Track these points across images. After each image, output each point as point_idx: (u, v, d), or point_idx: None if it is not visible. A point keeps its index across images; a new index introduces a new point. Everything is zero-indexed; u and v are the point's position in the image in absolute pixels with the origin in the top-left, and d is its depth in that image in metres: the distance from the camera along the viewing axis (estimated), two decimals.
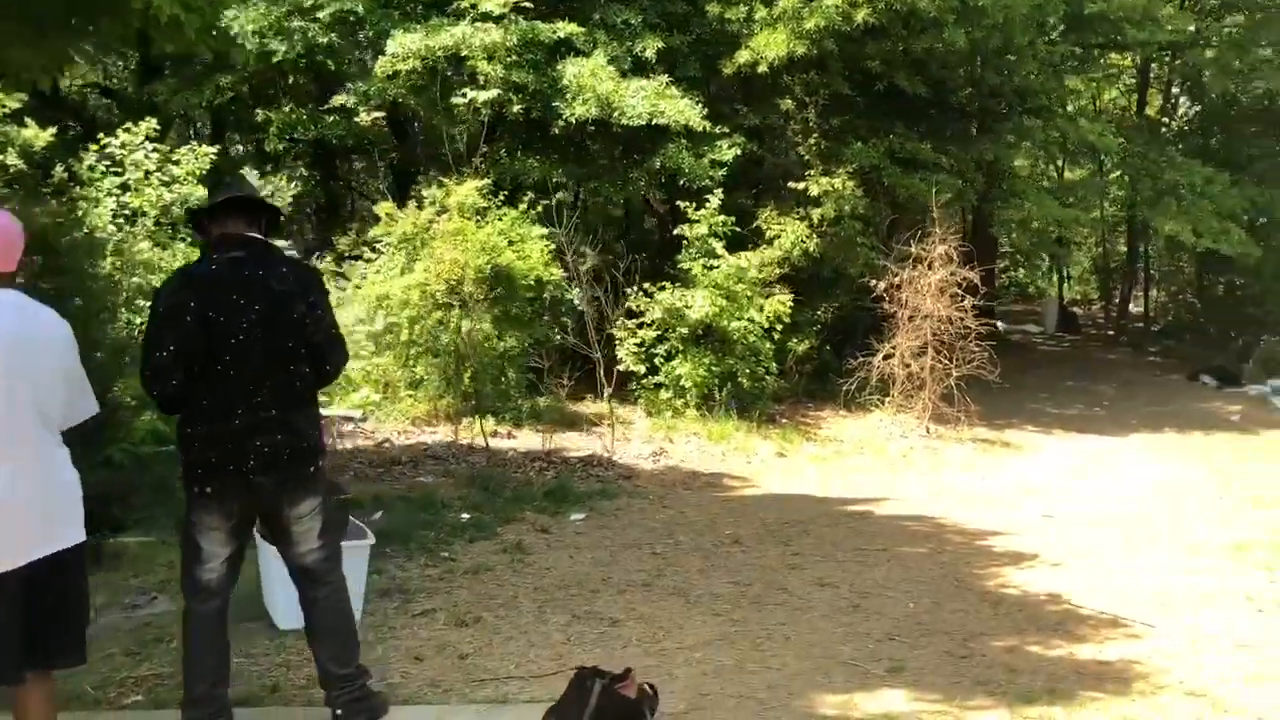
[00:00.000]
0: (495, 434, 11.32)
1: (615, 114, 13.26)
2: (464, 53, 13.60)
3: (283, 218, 16.89)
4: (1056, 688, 4.82)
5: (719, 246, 13.08)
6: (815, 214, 14.45)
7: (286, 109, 16.81)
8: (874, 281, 13.67)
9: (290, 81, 17.24)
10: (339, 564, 4.31)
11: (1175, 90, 20.43)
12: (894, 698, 4.69)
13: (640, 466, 10.00)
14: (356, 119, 14.57)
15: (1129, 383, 18.16)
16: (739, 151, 14.25)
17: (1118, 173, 19.06)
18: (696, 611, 5.81)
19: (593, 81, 13.20)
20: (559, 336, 12.82)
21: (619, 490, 8.83)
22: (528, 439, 11.14)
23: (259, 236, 4.19)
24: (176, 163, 13.79)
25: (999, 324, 22.87)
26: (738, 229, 13.53)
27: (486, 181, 13.02)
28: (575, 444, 10.97)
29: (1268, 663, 5.21)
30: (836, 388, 14.28)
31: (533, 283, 12.42)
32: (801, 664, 5.07)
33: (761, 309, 13.03)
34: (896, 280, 13.47)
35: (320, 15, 14.34)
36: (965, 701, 4.64)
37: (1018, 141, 15.46)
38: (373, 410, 11.64)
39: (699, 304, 12.85)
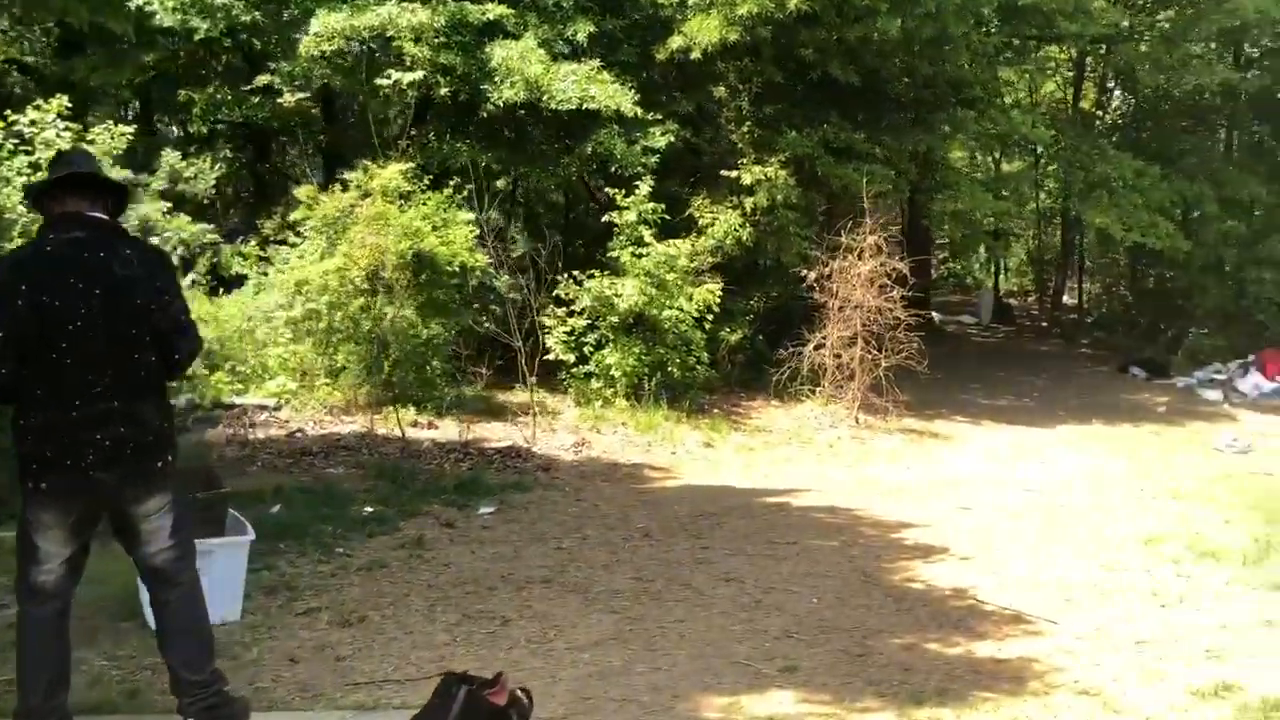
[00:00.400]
0: (415, 424, 11.08)
1: (544, 98, 13.03)
2: (390, 33, 13.29)
3: (205, 200, 16.16)
4: (949, 688, 4.72)
5: (648, 234, 12.91)
6: (748, 203, 14.31)
7: (211, 89, 16.41)
8: (805, 271, 13.55)
9: (222, 61, 16.82)
10: (192, 564, 4.07)
11: (1111, 84, 20.58)
12: (782, 699, 4.56)
13: (560, 458, 9.82)
14: (279, 100, 14.16)
15: (1059, 374, 18.27)
16: (672, 139, 14.06)
17: (1053, 165, 19.14)
18: (594, 609, 5.65)
19: (521, 65, 12.95)
20: (485, 324, 12.56)
21: (534, 483, 8.64)
22: (449, 429, 10.91)
23: (103, 217, 3.92)
24: (91, 142, 13.35)
25: (934, 315, 22.96)
26: (667, 217, 13.34)
27: (411, 165, 12.71)
28: (497, 434, 10.77)
29: (1165, 660, 5.15)
30: (770, 378, 14.19)
31: (457, 269, 12.14)
32: (693, 664, 4.93)
33: (691, 298, 12.87)
34: (827, 270, 13.40)
35: None
36: (854, 703, 4.53)
37: (952, 133, 15.44)
38: (289, 399, 11.34)
39: (628, 292, 12.68)
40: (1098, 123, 19.99)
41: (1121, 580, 6.42)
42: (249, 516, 5.60)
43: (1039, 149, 19.45)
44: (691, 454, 10.77)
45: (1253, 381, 16.34)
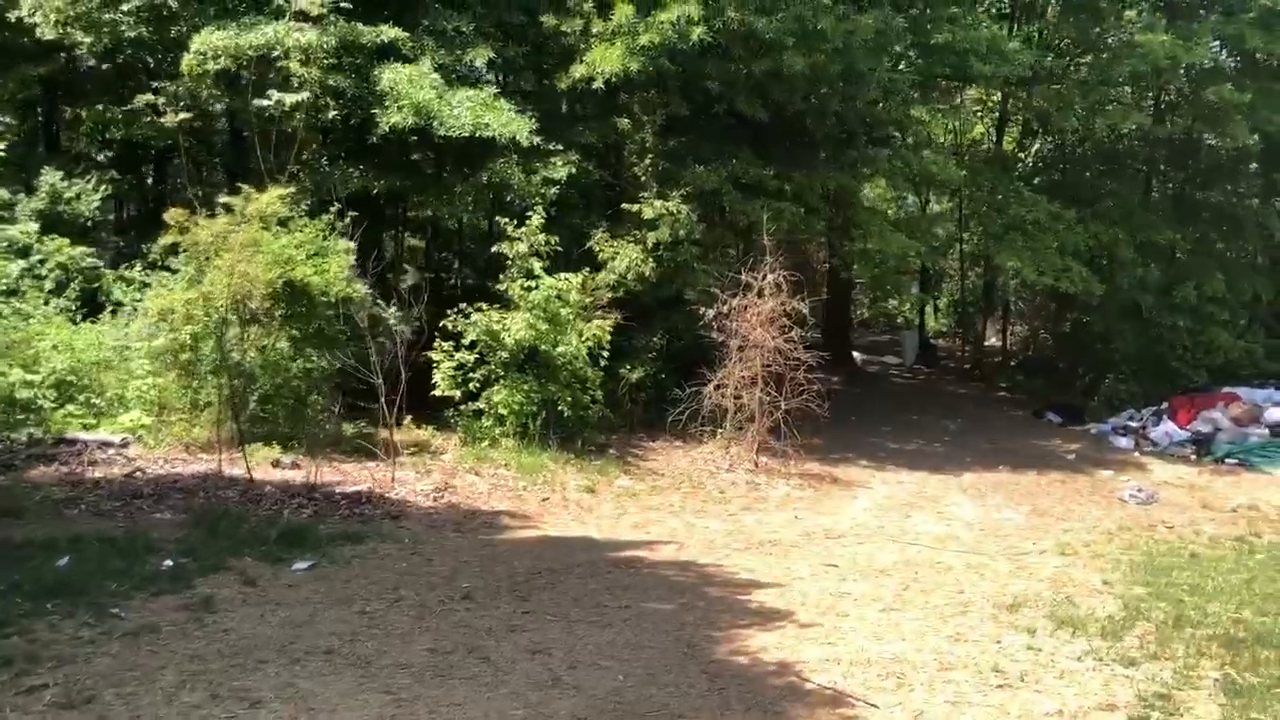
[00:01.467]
0: (277, 464, 10.48)
1: (435, 124, 12.55)
2: (276, 53, 12.77)
3: (89, 222, 15.51)
4: None
5: (538, 266, 12.41)
6: (650, 237, 13.90)
7: (99, 107, 15.77)
8: (703, 309, 13.13)
9: (111, 77, 16.19)
10: None
11: (1035, 128, 20.49)
12: None
13: (416, 504, 9.26)
14: (161, 119, 13.55)
15: (974, 418, 18.01)
16: (573, 170, 13.66)
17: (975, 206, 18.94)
18: (367, 688, 5.10)
19: (410, 89, 12.47)
20: (342, 361, 11.93)
21: (372, 533, 8.07)
22: (318, 470, 10.25)
23: None
24: None
25: (856, 355, 22.71)
26: (560, 249, 12.88)
27: (291, 190, 12.13)
28: (362, 476, 10.17)
29: None
30: (675, 419, 13.72)
31: (333, 299, 11.55)
32: None
33: (580, 333, 12.38)
34: (725, 308, 12.99)
35: (124, 7, 13.36)
36: None
37: (863, 170, 15.16)
38: (141, 435, 10.68)
39: (516, 327, 12.19)
40: (1019, 165, 19.86)
41: (965, 654, 5.97)
42: (30, 569, 5.01)
43: (964, 190, 19.25)
44: (566, 500, 10.25)
45: (1164, 429, 16.14)
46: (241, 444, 10.38)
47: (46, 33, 13.82)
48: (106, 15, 13.72)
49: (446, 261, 15.18)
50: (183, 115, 13.85)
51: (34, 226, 13.99)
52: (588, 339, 12.37)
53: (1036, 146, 20.64)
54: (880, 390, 20.45)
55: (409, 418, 13.12)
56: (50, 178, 14.79)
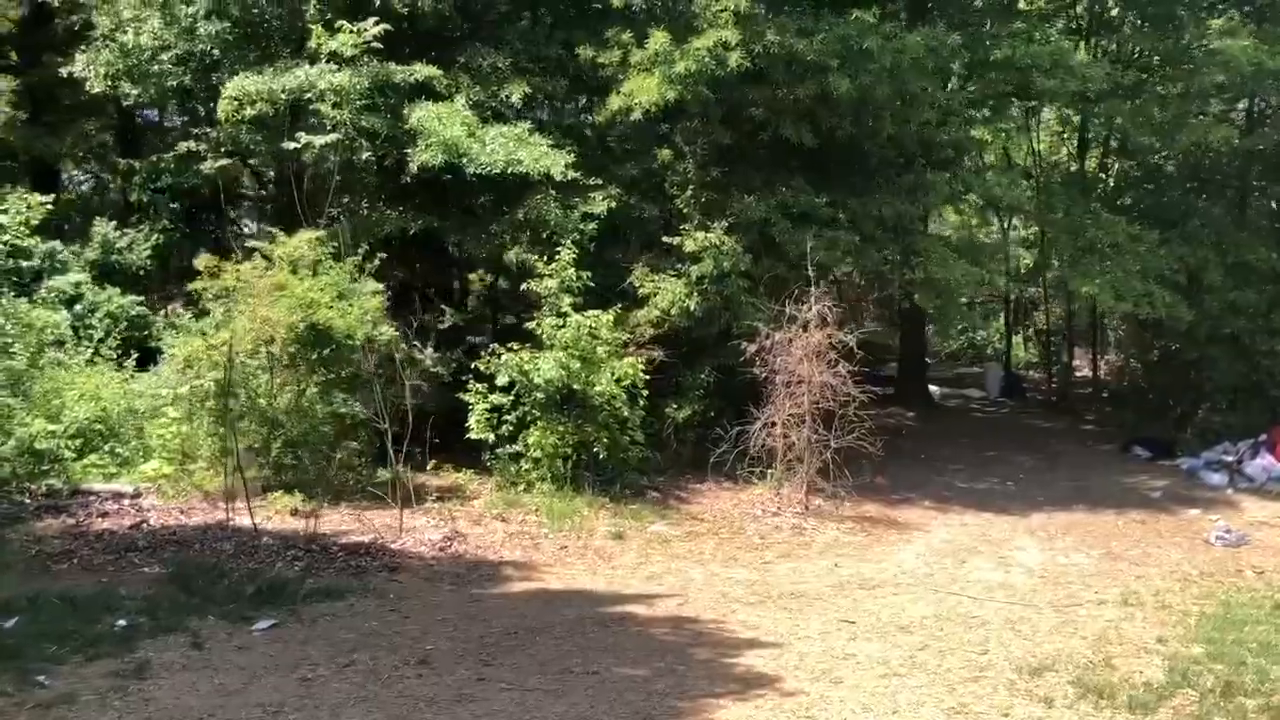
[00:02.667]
0: (296, 512, 10.21)
1: (465, 161, 12.29)
2: (309, 96, 12.70)
3: (141, 271, 15.59)
4: None
5: (567, 303, 11.99)
6: (694, 271, 13.38)
7: (155, 157, 15.95)
8: (745, 345, 12.52)
9: (162, 129, 16.46)
10: None
11: (1115, 146, 19.43)
12: None
13: (420, 555, 8.85)
14: (201, 166, 13.60)
15: (1055, 454, 16.94)
16: (613, 204, 13.27)
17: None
18: None
19: (438, 127, 12.23)
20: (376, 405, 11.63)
21: (358, 588, 7.66)
22: (337, 519, 9.93)
23: None
24: (4, 211, 12.90)
25: (933, 389, 21.71)
26: (593, 285, 12.45)
27: (319, 233, 11.98)
28: (378, 524, 9.78)
29: None
30: (723, 459, 13.10)
31: (357, 343, 11.29)
32: None
33: (613, 372, 11.89)
34: (769, 343, 12.37)
35: (164, 56, 13.47)
36: None
37: (921, 196, 14.40)
38: (161, 484, 10.51)
39: (546, 367, 11.76)
40: (1101, 187, 18.76)
41: None
42: None
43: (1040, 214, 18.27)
44: (587, 548, 9.71)
45: (1262, 464, 14.89)
46: (247, 493, 10.05)
47: (96, 86, 14.04)
48: (154, 67, 13.91)
49: (488, 300, 14.86)
50: (222, 161, 13.96)
51: (83, 276, 14.15)
52: (620, 377, 11.84)
53: (1118, 166, 19.50)
54: (957, 426, 19.46)
55: (443, 463, 12.86)
56: (102, 228, 15.00)
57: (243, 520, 9.31)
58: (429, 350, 12.95)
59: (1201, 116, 16.54)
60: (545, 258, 12.29)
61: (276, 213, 15.16)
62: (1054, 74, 14.45)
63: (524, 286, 12.45)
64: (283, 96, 12.73)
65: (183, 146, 13.98)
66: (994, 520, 12.69)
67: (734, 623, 7.13)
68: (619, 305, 12.96)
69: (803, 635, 6.86)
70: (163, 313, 14.31)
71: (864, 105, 13.60)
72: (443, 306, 13.64)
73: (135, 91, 14.32)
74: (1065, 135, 21.74)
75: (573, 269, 12.12)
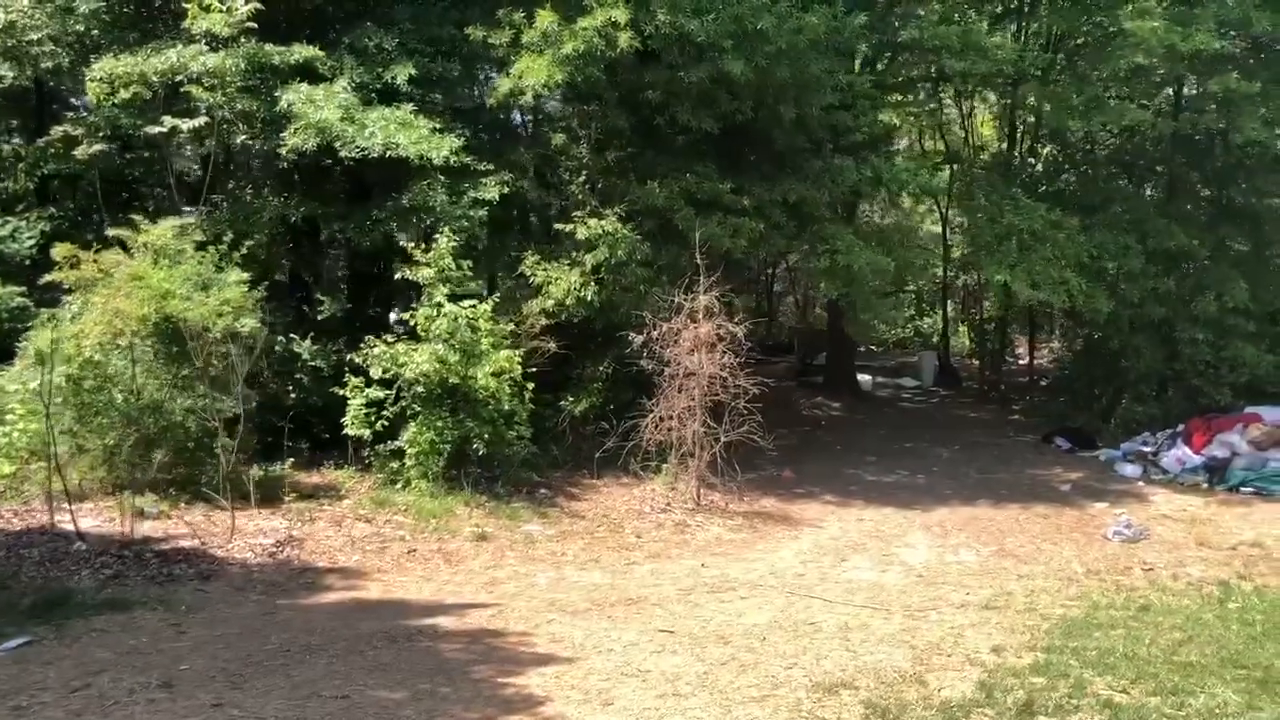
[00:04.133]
0: (142, 514, 9.72)
1: (339, 145, 11.79)
2: (179, 78, 12.16)
3: (26, 261, 14.96)
4: None
5: (441, 294, 11.52)
6: (589, 259, 12.95)
7: (39, 141, 15.32)
8: (632, 336, 12.10)
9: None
10: None
11: (1044, 130, 19.01)
12: None
13: (244, 561, 8.38)
14: (74, 151, 13.03)
15: (973, 445, 16.62)
16: (505, 190, 12.79)
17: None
18: None
19: (308, 109, 11.73)
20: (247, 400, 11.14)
21: (151, 599, 7.20)
22: (169, 525, 9.41)
23: None
24: None
25: (865, 378, 21.37)
26: (470, 275, 12.03)
27: (181, 222, 11.48)
28: (209, 528, 9.28)
29: None
30: (618, 454, 12.69)
31: (215, 335, 10.77)
32: None
33: (491, 365, 11.44)
34: (655, 334, 11.95)
35: (33, 36, 12.89)
36: None
37: (829, 182, 13.96)
38: (2, 484, 9.99)
39: (419, 359, 11.30)
40: (1027, 173, 18.34)
41: None
42: None
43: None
44: (437, 552, 9.27)
45: (1176, 455, 14.61)
46: (68, 495, 9.44)
47: None
48: (34, 49, 13.34)
49: (370, 291, 14.37)
50: (96, 147, 13.36)
51: None
52: (498, 370, 11.39)
53: (1046, 150, 19.11)
54: (882, 416, 19.13)
55: (327, 460, 12.40)
56: None
57: (79, 525, 8.81)
58: (305, 343, 12.48)
59: (1121, 100, 16.18)
60: (425, 246, 11.81)
61: (151, 201, 14.56)
62: (964, 56, 14.06)
63: (398, 275, 11.96)
64: (154, 79, 12.18)
65: (58, 131, 13.38)
66: (892, 515, 12.36)
67: (542, 635, 6.70)
68: (519, 295, 12.53)
69: (607, 648, 6.45)
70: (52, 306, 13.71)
71: (764, 88, 13.15)
72: (319, 297, 13.14)
73: (12, 74, 13.73)
74: (996, 121, 21.36)
75: (450, 258, 11.65)
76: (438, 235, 11.77)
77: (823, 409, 19.19)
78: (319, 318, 12.89)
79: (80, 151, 13.04)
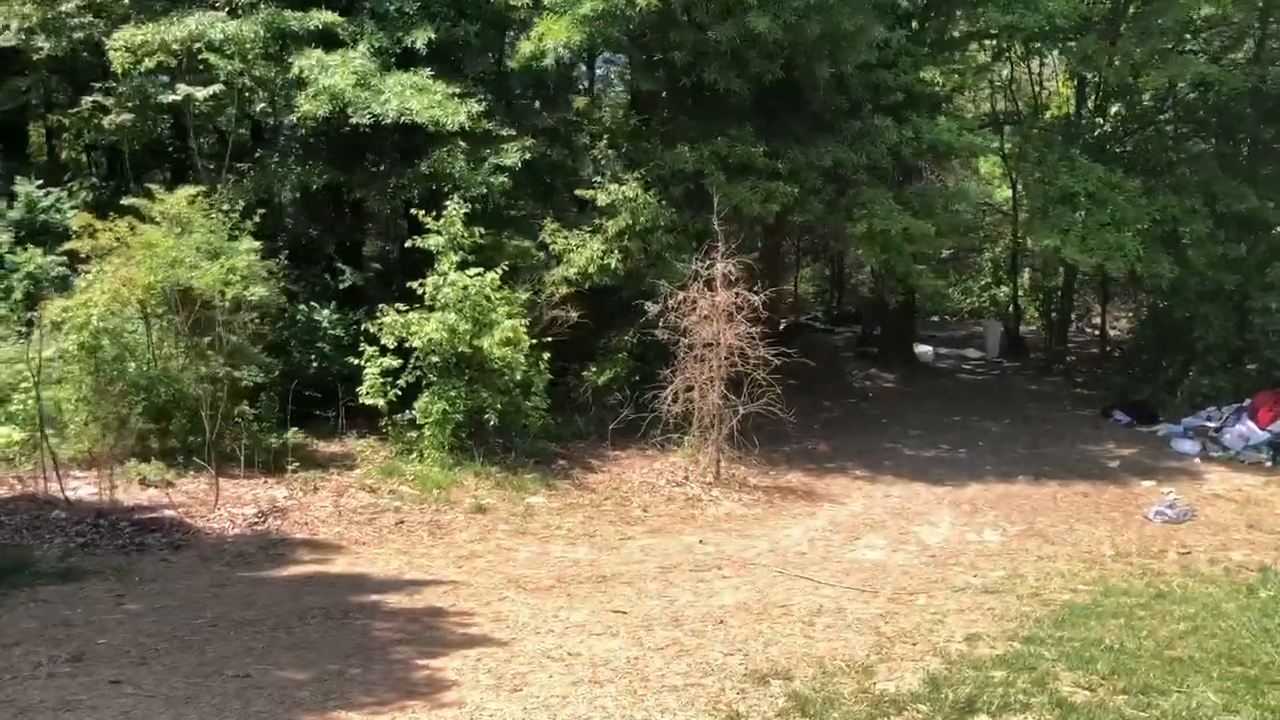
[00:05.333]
0: (144, 482, 9.76)
1: (352, 111, 11.64)
2: (196, 46, 12.15)
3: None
4: None
5: (449, 262, 11.30)
6: (610, 226, 12.63)
7: (75, 111, 15.55)
8: (648, 305, 11.76)
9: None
10: None
11: (1109, 88, 17.96)
12: None
13: (221, 532, 8.29)
14: (102, 122, 13.14)
15: (1028, 419, 15.91)
16: (527, 155, 12.51)
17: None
18: None
19: (320, 75, 11.60)
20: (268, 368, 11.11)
21: (109, 569, 7.14)
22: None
23: None
24: None
25: (925, 349, 20.66)
26: (481, 241, 11.71)
27: (200, 189, 11.48)
28: (200, 497, 9.23)
29: None
30: (641, 425, 12.38)
31: (224, 303, 10.76)
32: None
33: (496, 335, 11.19)
34: (672, 303, 11.60)
35: (68, 6, 13.01)
36: None
37: (868, 144, 13.35)
38: (13, 451, 10.11)
39: (429, 328, 11.13)
40: (1091, 134, 17.35)
41: None
42: None
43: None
44: (425, 524, 9.09)
45: (1239, 431, 13.73)
46: (56, 464, 9.47)
47: (10, 39, 13.64)
48: (70, 20, 13.47)
49: (391, 259, 14.26)
50: (124, 116, 13.46)
51: (5, 237, 13.82)
52: (505, 339, 11.14)
53: (1115, 109, 18.08)
54: (937, 387, 18.45)
55: (350, 429, 12.36)
56: (24, 187, 14.63)
57: (82, 492, 8.86)
58: (325, 311, 12.43)
59: (1189, 54, 15.17)
60: (435, 214, 11.61)
61: (178, 168, 14.65)
62: (1010, 9, 13.30)
63: (409, 244, 11.79)
64: (174, 47, 12.18)
65: (86, 101, 13.51)
66: (922, 492, 11.86)
67: (486, 614, 6.45)
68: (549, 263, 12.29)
69: (547, 630, 6.17)
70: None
71: (795, 46, 12.60)
72: (341, 266, 13.06)
73: (48, 45, 13.89)
74: (1069, 79, 20.29)
75: (460, 224, 11.42)
76: (448, 203, 11.54)
77: (874, 380, 18.59)
78: (340, 286, 12.81)
79: (109, 121, 13.16)
